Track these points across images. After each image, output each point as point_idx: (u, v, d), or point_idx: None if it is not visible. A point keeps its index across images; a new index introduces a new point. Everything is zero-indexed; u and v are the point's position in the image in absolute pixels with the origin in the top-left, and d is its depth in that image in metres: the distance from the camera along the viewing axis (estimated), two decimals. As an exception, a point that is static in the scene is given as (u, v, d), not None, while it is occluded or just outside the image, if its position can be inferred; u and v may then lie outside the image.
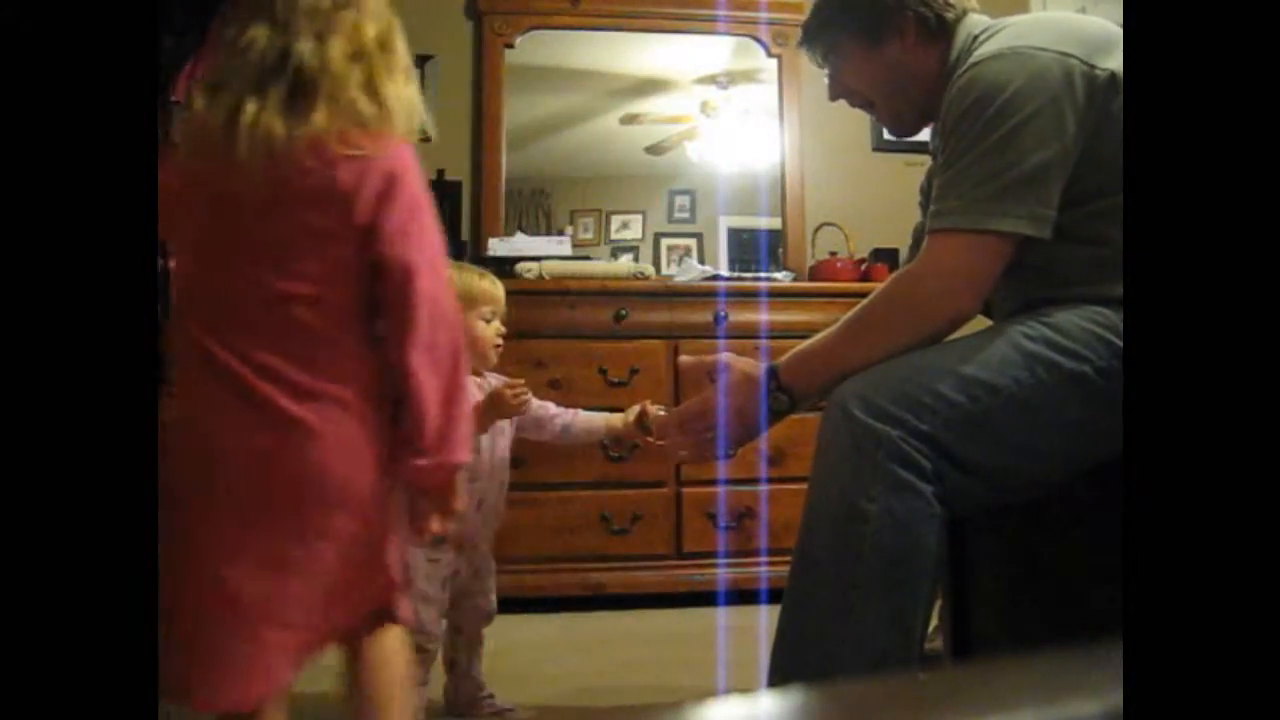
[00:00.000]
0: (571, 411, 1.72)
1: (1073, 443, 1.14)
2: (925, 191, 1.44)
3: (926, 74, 1.34)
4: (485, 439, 1.59)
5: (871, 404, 1.12)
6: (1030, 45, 1.18)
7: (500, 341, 1.66)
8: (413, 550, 1.57)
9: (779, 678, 1.15)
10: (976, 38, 1.28)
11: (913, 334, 1.18)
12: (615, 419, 1.70)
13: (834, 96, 1.45)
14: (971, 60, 1.22)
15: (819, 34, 1.41)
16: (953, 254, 1.18)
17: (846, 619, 1.10)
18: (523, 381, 1.52)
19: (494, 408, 1.52)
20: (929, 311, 1.19)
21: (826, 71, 1.43)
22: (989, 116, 1.16)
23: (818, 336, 1.28)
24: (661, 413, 1.59)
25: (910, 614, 1.12)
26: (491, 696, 1.71)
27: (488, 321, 1.64)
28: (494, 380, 1.67)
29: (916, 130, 1.46)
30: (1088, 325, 1.13)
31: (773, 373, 1.27)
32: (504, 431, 1.64)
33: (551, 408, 1.72)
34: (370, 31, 1.07)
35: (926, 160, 3.67)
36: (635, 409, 1.67)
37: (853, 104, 1.45)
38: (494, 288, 1.67)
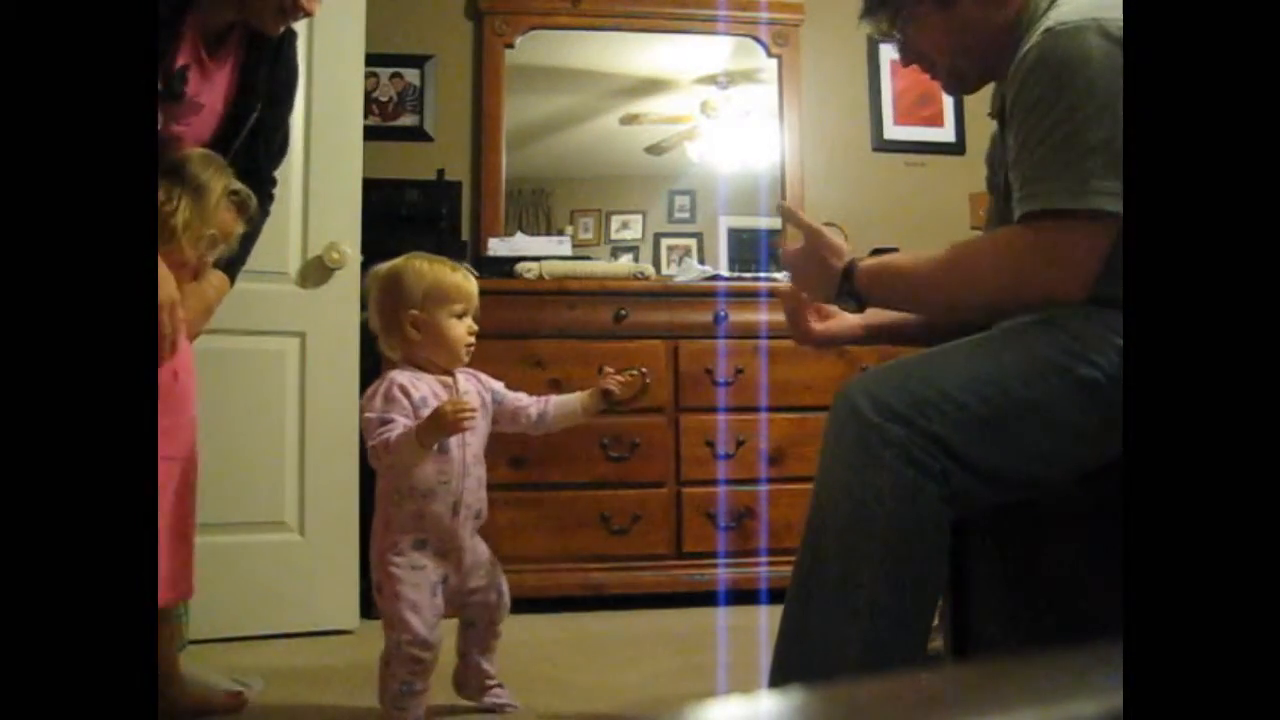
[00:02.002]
0: (544, 399, 1.68)
1: (1081, 446, 1.13)
2: (995, 159, 1.41)
3: (997, 31, 1.29)
4: (454, 440, 1.54)
5: (880, 402, 1.11)
6: (1114, 18, 1.12)
7: (472, 340, 1.60)
8: (396, 560, 1.54)
9: (781, 677, 1.15)
10: (1054, 1, 1.23)
11: (1006, 306, 1.16)
12: (588, 395, 1.66)
13: (906, 63, 1.40)
14: (1050, 24, 1.17)
15: (885, 1, 1.36)
16: (1065, 241, 1.12)
17: (851, 619, 1.09)
18: (469, 404, 1.47)
19: (435, 425, 1.45)
20: (1032, 294, 1.15)
21: (896, 38, 1.38)
22: (1078, 90, 1.11)
23: (905, 255, 1.26)
24: (637, 372, 1.60)
25: (916, 615, 1.11)
26: (499, 687, 1.68)
27: (459, 318, 1.58)
28: (463, 379, 1.62)
29: (976, 90, 1.41)
30: (1100, 330, 1.11)
31: (850, 272, 1.26)
32: (476, 430, 1.59)
33: (524, 398, 1.67)
34: None
35: (927, 161, 3.66)
36: (599, 388, 1.65)
37: (924, 68, 1.40)
38: (466, 282, 1.60)
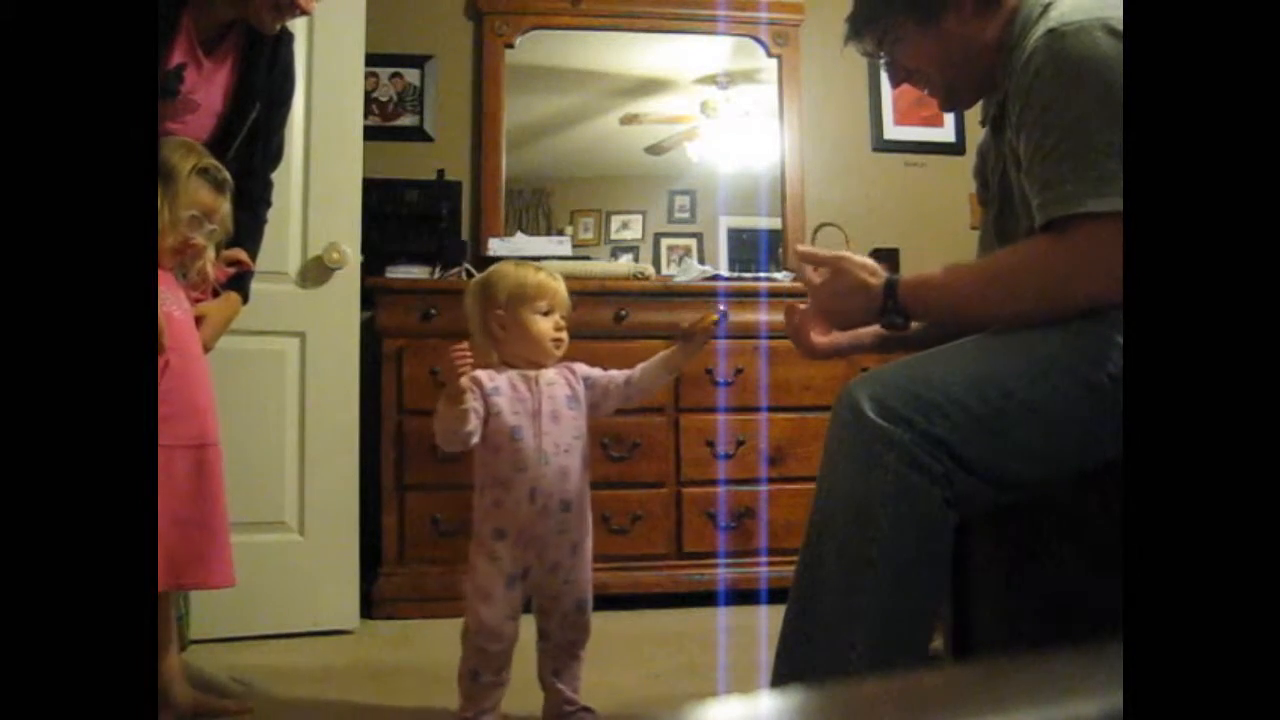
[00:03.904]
0: (634, 369, 1.67)
1: (1085, 447, 1.11)
2: (985, 170, 1.40)
3: (985, 45, 1.29)
4: (528, 427, 1.54)
5: (883, 404, 1.09)
6: (1120, 16, 1.11)
7: (561, 335, 1.60)
8: (476, 549, 1.55)
9: (783, 680, 1.14)
10: (1049, 6, 1.22)
11: (1050, 314, 1.14)
12: (669, 351, 1.65)
13: (896, 83, 1.40)
14: (1052, 25, 1.15)
15: (870, 23, 1.35)
16: (1100, 244, 1.08)
17: (854, 624, 1.08)
18: (464, 348, 1.46)
19: (443, 375, 1.47)
20: (1075, 300, 1.12)
21: (883, 59, 1.38)
22: (1091, 90, 1.10)
23: (947, 268, 1.24)
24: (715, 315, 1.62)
25: (919, 620, 1.11)
26: (586, 711, 1.61)
27: (544, 315, 1.59)
28: (552, 370, 1.61)
29: (971, 105, 1.41)
30: (1104, 330, 1.10)
31: (891, 289, 1.23)
32: (556, 418, 1.57)
33: (615, 374, 1.66)
34: None
35: (926, 160, 3.65)
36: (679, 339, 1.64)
37: (916, 85, 1.39)
38: (551, 280, 1.62)
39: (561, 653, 1.62)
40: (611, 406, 1.67)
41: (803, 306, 1.41)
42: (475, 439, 1.53)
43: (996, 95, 1.32)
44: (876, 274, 1.26)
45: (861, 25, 1.36)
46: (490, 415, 1.54)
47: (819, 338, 1.44)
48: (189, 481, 1.57)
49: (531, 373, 1.59)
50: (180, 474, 1.57)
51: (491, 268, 1.68)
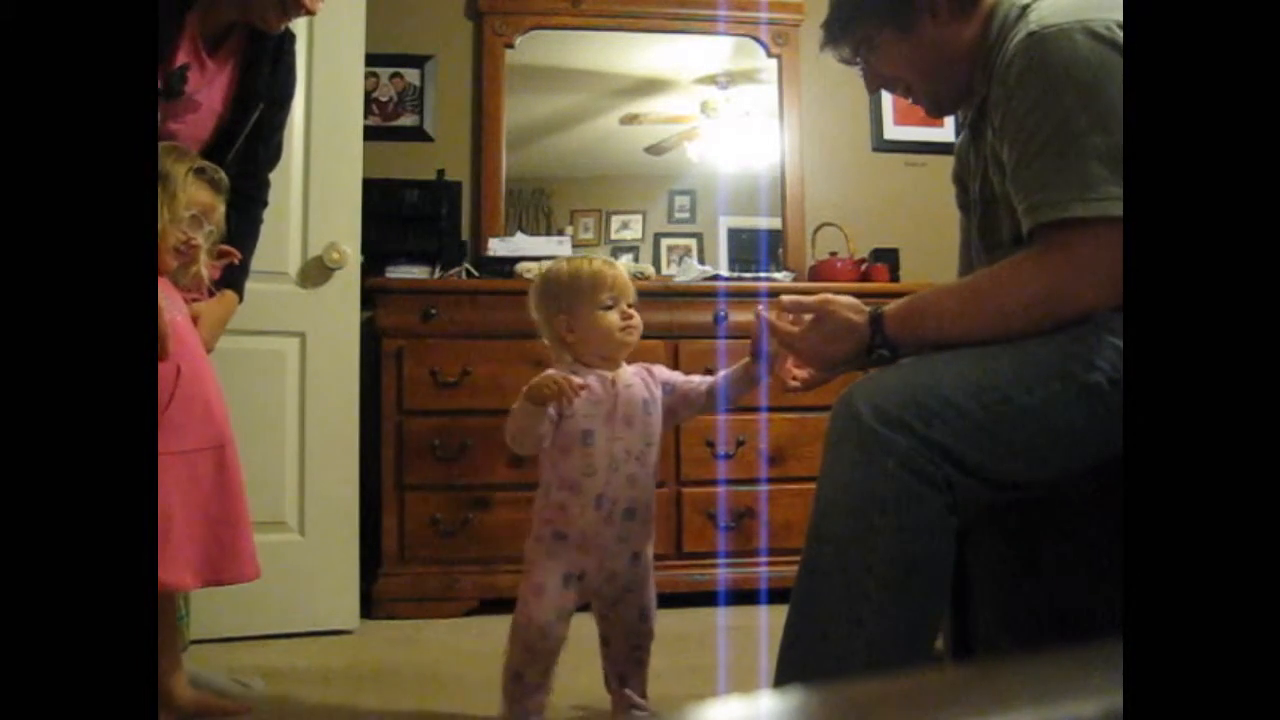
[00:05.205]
0: (714, 377, 1.61)
1: (1085, 450, 1.11)
2: (964, 174, 1.39)
3: (963, 49, 1.28)
4: (601, 430, 1.49)
5: (883, 410, 1.09)
6: (1099, 19, 1.11)
7: (631, 323, 1.53)
8: (533, 544, 1.52)
9: (785, 685, 1.13)
10: (1026, 8, 1.22)
11: (1044, 326, 1.13)
12: (745, 363, 1.55)
13: (874, 89, 1.40)
14: (1032, 28, 1.15)
15: (845, 31, 1.34)
16: (1089, 250, 1.09)
17: (855, 630, 1.07)
18: (577, 384, 1.43)
19: (540, 384, 1.43)
20: (1068, 309, 1.12)
21: (859, 67, 1.37)
22: (1073, 94, 1.10)
23: (929, 293, 1.23)
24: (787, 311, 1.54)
25: (921, 626, 1.10)
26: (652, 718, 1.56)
27: (607, 309, 1.52)
28: (630, 371, 1.56)
29: (955, 110, 1.40)
30: (1101, 332, 1.10)
31: (877, 322, 1.22)
32: (630, 422, 1.52)
33: (695, 380, 1.61)
34: None
35: (926, 160, 3.65)
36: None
37: (894, 92, 1.39)
38: (607, 268, 1.55)
39: (625, 659, 1.59)
40: (688, 415, 1.62)
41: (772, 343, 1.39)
42: (546, 442, 1.49)
43: (975, 98, 1.31)
44: (860, 311, 1.25)
45: (837, 32, 1.35)
46: (564, 416, 1.49)
47: (799, 371, 1.41)
48: (213, 481, 1.60)
49: (609, 373, 1.54)
50: (205, 475, 1.59)
51: (545, 269, 1.62)
